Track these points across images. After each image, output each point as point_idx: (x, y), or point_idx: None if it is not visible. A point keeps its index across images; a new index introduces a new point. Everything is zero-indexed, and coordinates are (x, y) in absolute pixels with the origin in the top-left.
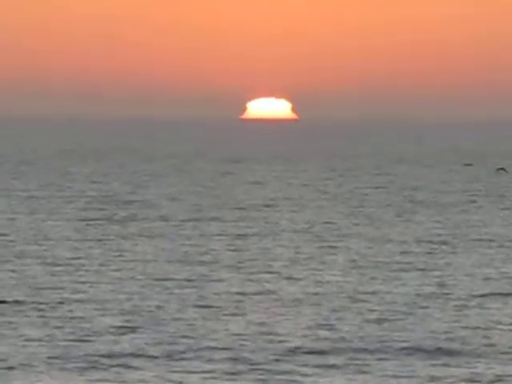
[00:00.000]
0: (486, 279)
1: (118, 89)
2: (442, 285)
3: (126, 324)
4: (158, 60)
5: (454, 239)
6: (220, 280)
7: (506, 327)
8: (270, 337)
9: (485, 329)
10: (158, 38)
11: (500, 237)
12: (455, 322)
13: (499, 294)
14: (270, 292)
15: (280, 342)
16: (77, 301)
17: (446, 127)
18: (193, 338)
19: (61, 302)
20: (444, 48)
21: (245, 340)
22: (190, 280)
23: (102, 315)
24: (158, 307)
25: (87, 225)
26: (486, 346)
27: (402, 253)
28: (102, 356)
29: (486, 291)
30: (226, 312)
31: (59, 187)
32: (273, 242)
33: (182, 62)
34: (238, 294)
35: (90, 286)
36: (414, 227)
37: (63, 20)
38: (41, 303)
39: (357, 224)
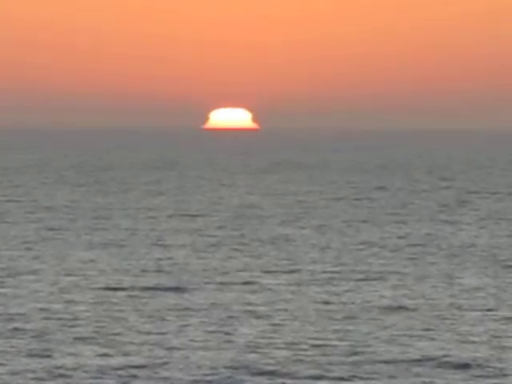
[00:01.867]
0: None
1: (77, 98)
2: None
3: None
4: (119, 69)
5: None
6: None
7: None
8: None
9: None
10: (117, 47)
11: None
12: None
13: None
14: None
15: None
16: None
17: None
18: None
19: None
20: (400, 58)
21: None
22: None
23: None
24: (117, 318)
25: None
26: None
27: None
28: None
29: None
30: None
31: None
32: (239, 252)
33: (143, 71)
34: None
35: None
36: (378, 234)
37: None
38: None
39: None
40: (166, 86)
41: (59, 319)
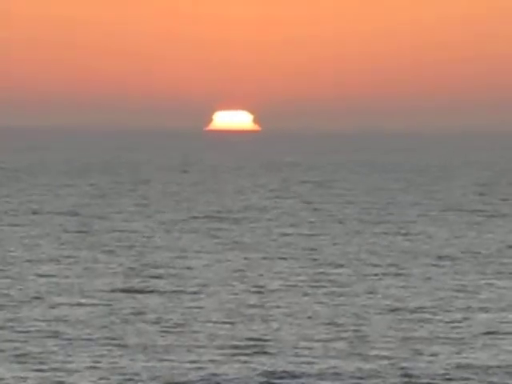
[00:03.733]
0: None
1: (78, 97)
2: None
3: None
4: (121, 68)
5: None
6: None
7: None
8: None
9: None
10: (119, 45)
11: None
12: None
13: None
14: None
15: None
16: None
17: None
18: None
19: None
20: (394, 59)
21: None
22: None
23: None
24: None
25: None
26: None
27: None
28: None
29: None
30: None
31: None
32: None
33: (145, 70)
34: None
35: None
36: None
37: None
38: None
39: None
40: (168, 85)
41: (62, 321)
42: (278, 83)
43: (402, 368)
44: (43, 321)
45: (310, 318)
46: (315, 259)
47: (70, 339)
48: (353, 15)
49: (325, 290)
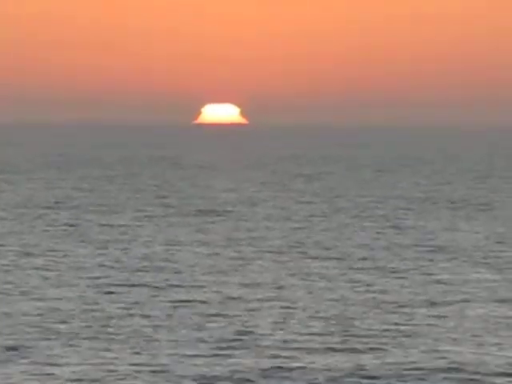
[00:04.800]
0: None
1: (67, 92)
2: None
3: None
4: (109, 64)
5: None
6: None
7: None
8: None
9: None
10: (111, 41)
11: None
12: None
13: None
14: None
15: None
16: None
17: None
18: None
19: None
20: (389, 51)
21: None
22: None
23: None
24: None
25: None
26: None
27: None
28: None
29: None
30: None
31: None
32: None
33: (134, 66)
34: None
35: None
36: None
37: None
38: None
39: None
40: (157, 80)
41: (50, 314)
42: (264, 76)
43: (390, 363)
44: (31, 315)
45: (299, 311)
46: (304, 252)
47: (58, 333)
48: (342, 10)
49: (313, 283)
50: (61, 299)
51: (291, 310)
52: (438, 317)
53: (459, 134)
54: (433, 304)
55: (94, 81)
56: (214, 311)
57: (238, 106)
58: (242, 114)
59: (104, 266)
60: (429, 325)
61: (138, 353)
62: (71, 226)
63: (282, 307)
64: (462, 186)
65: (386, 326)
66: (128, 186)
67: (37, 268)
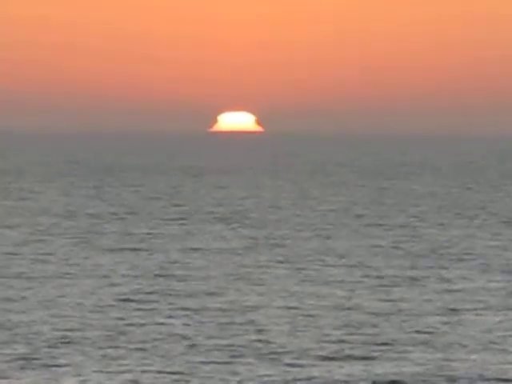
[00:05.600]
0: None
1: (77, 99)
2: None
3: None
4: (124, 70)
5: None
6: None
7: None
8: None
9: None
10: (123, 46)
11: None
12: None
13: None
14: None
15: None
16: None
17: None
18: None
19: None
20: (403, 59)
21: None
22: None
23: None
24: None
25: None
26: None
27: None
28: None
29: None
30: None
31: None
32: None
33: (148, 72)
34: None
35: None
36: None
37: None
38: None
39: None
40: (171, 87)
41: (71, 326)
42: (280, 84)
43: (409, 372)
44: (47, 323)
45: (316, 319)
46: (321, 260)
47: (73, 341)
48: (353, 16)
49: (331, 291)
50: (76, 307)
51: (309, 318)
52: (456, 324)
53: (473, 141)
54: (450, 312)
55: (110, 87)
56: (230, 319)
57: (254, 113)
58: (258, 121)
59: (121, 274)
60: (446, 332)
61: (153, 361)
62: (88, 233)
63: (299, 315)
64: (478, 193)
65: (403, 335)
66: (144, 193)
67: (52, 276)
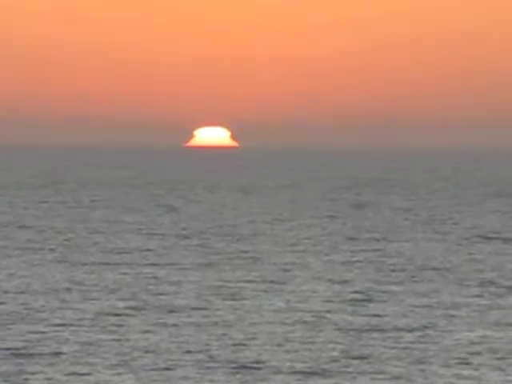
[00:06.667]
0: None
1: (55, 114)
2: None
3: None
4: (101, 84)
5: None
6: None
7: None
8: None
9: None
10: (97, 60)
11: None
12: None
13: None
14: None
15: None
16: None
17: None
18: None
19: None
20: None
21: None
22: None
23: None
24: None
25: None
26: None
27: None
28: None
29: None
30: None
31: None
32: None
33: (131, 87)
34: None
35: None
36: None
37: None
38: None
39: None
40: (148, 101)
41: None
42: (254, 99)
43: None
44: (30, 341)
45: (313, 332)
46: (303, 277)
47: (65, 357)
48: (326, 32)
49: (320, 309)
50: (64, 324)
51: (284, 333)
52: (432, 339)
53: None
54: (426, 326)
55: (86, 102)
56: (206, 334)
57: (229, 129)
58: (232, 136)
59: (95, 289)
60: (421, 347)
61: (129, 377)
62: (61, 247)
63: (275, 330)
64: (453, 207)
65: (379, 350)
66: (117, 208)
67: (26, 292)
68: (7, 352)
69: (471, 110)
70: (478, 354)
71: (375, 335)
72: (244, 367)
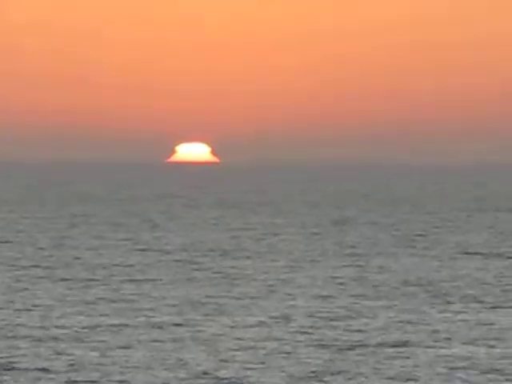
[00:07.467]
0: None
1: (39, 129)
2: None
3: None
4: (85, 101)
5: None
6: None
7: None
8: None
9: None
10: (87, 74)
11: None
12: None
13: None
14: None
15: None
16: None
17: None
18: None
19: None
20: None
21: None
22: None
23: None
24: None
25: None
26: None
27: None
28: None
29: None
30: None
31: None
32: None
33: (115, 102)
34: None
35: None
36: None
37: None
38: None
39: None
40: (131, 117)
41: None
42: (235, 115)
43: None
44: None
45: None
46: (287, 293)
47: (56, 374)
48: (310, 44)
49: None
50: (47, 340)
51: (267, 350)
52: (413, 356)
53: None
54: (408, 343)
55: (67, 117)
56: (189, 351)
57: (209, 144)
58: (213, 152)
59: (76, 305)
60: (403, 364)
61: None
62: (51, 264)
63: (258, 346)
64: (434, 223)
65: (360, 366)
66: (98, 224)
67: (25, 309)
68: None
69: (455, 124)
70: (460, 369)
71: (357, 351)
72: (226, 383)
